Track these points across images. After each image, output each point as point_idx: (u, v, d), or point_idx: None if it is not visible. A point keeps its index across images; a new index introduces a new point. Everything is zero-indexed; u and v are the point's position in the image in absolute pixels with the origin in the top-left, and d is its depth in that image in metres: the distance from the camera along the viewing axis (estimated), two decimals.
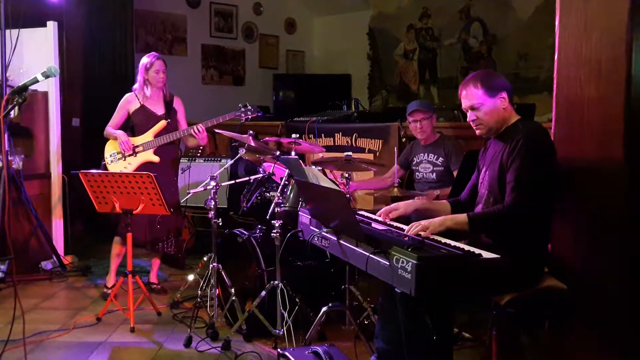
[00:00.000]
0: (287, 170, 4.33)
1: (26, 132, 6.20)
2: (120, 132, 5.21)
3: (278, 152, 4.61)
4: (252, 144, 4.57)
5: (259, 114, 5.25)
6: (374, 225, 3.22)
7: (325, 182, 3.25)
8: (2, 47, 5.71)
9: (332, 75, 10.36)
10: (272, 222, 4.06)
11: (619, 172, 3.11)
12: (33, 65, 6.16)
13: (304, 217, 3.65)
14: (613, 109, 3.11)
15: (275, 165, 4.69)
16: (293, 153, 4.65)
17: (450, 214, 3.27)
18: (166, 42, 9.38)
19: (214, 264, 4.41)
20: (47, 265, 6.09)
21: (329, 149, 5.97)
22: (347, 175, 4.53)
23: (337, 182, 4.28)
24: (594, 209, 3.21)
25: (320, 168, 4.62)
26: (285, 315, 3.99)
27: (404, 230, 3.05)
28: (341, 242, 3.07)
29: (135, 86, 5.33)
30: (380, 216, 3.34)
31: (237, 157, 4.84)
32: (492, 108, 3.09)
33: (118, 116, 5.34)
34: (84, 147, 7.45)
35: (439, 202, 3.44)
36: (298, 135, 4.74)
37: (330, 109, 6.92)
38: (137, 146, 5.19)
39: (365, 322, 4.25)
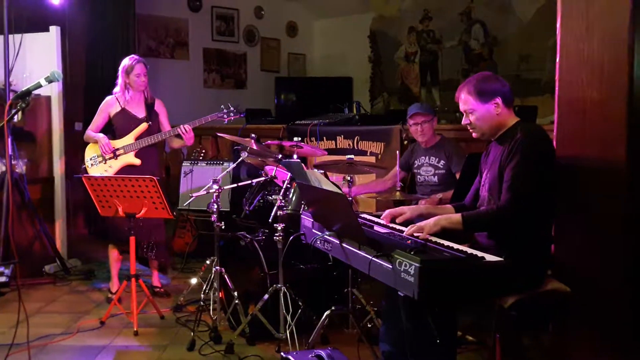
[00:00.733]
0: (289, 174, 4.33)
1: (29, 136, 6.21)
2: (100, 135, 5.20)
3: (280, 156, 4.62)
4: (254, 147, 4.58)
5: (242, 115, 5.27)
6: (376, 228, 3.23)
7: (327, 185, 3.25)
8: (6, 52, 5.73)
9: (334, 78, 10.37)
10: (275, 225, 4.06)
11: (622, 174, 3.11)
12: (36, 70, 6.19)
13: (307, 220, 3.65)
14: (615, 111, 3.11)
15: (277, 168, 4.69)
16: (295, 156, 4.65)
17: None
18: (168, 46, 9.41)
19: (216, 267, 4.41)
20: (50, 269, 6.11)
21: (330, 152, 5.97)
22: (349, 178, 4.53)
23: (339, 185, 4.28)
24: (596, 211, 3.21)
25: (322, 171, 4.62)
26: (288, 318, 3.99)
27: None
28: (344, 245, 3.07)
29: (116, 89, 5.31)
30: (384, 219, 3.34)
31: (239, 160, 4.84)
32: (485, 114, 3.11)
33: (99, 119, 5.32)
34: None
35: (443, 207, 3.44)
36: (300, 139, 4.75)
37: (331, 111, 6.92)
38: (118, 149, 5.18)
39: (369, 326, 4.25)
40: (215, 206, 4.39)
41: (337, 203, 3.06)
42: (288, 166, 4.23)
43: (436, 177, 4.97)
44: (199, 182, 6.57)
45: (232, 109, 5.22)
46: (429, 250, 2.69)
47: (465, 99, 3.15)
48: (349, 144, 6.13)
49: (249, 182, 4.90)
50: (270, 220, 4.29)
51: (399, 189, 4.62)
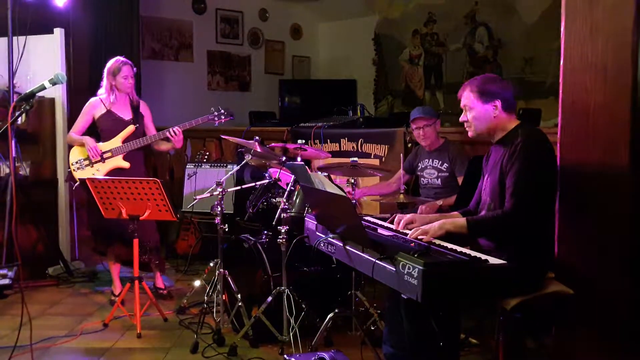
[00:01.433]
0: (293, 176, 4.33)
1: (33, 138, 6.22)
2: (87, 138, 5.13)
3: (284, 158, 4.62)
4: (258, 149, 4.58)
5: (231, 118, 5.24)
6: (380, 231, 3.22)
7: (331, 188, 3.25)
8: (10, 54, 5.74)
9: (338, 81, 10.37)
10: (278, 227, 4.06)
11: (625, 177, 3.11)
12: (40, 72, 6.20)
13: (310, 222, 3.65)
14: (619, 114, 3.11)
15: (281, 170, 4.69)
16: (299, 159, 4.65)
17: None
18: (172, 48, 9.42)
19: (220, 269, 4.41)
20: (54, 271, 6.11)
21: (334, 154, 5.97)
22: (352, 180, 4.53)
23: (342, 188, 4.28)
24: (599, 214, 3.21)
25: (326, 174, 4.62)
26: (292, 321, 3.99)
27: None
28: (347, 247, 3.07)
29: (101, 91, 5.26)
30: (396, 224, 3.31)
31: (243, 162, 4.85)
32: (482, 113, 3.14)
33: (82, 121, 5.26)
34: None
35: (451, 215, 3.43)
36: (304, 141, 4.75)
37: (335, 114, 6.93)
38: (106, 152, 5.13)
39: (372, 328, 4.24)
40: (219, 208, 4.39)
41: (340, 205, 3.06)
42: (292, 169, 4.24)
43: (439, 180, 4.97)
44: (203, 184, 6.57)
45: (222, 111, 5.19)
46: (433, 253, 2.68)
47: (466, 96, 3.18)
48: (353, 147, 6.13)
49: (253, 184, 4.90)
50: (274, 222, 4.30)
51: (402, 191, 4.61)
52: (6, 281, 4.64)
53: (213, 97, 9.63)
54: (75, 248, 6.60)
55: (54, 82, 3.54)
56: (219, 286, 4.43)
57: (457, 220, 3.06)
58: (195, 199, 4.84)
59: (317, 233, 3.50)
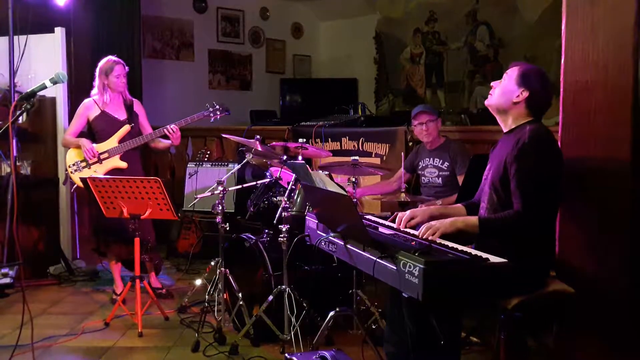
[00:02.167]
0: (294, 175, 4.33)
1: (34, 137, 6.23)
2: (83, 140, 5.11)
3: (285, 157, 4.62)
4: (259, 148, 4.58)
5: (227, 113, 5.23)
6: (381, 229, 3.22)
7: (332, 187, 3.25)
8: (11, 53, 5.74)
9: (339, 80, 10.38)
10: (279, 226, 4.06)
11: (626, 176, 3.11)
12: (41, 71, 6.21)
13: (311, 221, 3.65)
14: (620, 113, 3.11)
15: (282, 169, 4.69)
16: (300, 158, 4.65)
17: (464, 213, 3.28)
18: (173, 47, 9.43)
19: (221, 268, 4.41)
20: (55, 270, 6.12)
21: (335, 153, 5.97)
22: (353, 179, 4.53)
23: (344, 187, 4.28)
24: (600, 213, 3.21)
25: (327, 172, 4.62)
26: (293, 320, 3.99)
27: (411, 234, 3.05)
28: (348, 246, 3.07)
29: (94, 92, 5.24)
30: (397, 224, 3.30)
31: (244, 161, 4.85)
32: (506, 90, 3.10)
33: (77, 123, 5.25)
34: None
35: (453, 207, 3.42)
36: (305, 140, 4.75)
37: (336, 113, 6.92)
38: (102, 153, 5.12)
39: (373, 327, 4.25)
40: (220, 207, 4.39)
41: (341, 204, 3.06)
42: (293, 167, 4.24)
43: (440, 178, 4.97)
44: (204, 183, 6.58)
45: (217, 107, 5.19)
46: (433, 251, 2.68)
47: (512, 70, 3.14)
48: (354, 146, 6.13)
49: (254, 183, 4.90)
50: (274, 221, 4.30)
51: (403, 190, 4.61)
52: (7, 280, 4.64)
53: (214, 96, 9.54)
54: (77, 247, 6.61)
55: (54, 81, 3.54)
56: (220, 285, 4.43)
57: (468, 219, 3.04)
58: (197, 197, 4.85)
59: (318, 232, 3.50)
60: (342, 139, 6.24)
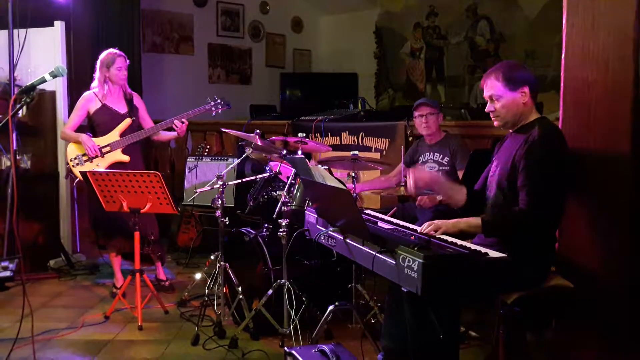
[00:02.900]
0: (294, 170, 4.33)
1: (34, 131, 6.22)
2: (83, 136, 5.07)
3: (284, 152, 4.62)
4: (259, 143, 4.58)
5: (228, 107, 5.23)
6: (380, 224, 3.23)
7: (331, 181, 3.25)
8: (10, 47, 5.73)
9: (339, 74, 10.36)
10: (279, 221, 4.06)
11: (626, 170, 3.11)
12: (41, 65, 6.20)
13: (311, 216, 3.65)
14: (620, 107, 3.11)
15: (282, 164, 4.69)
16: (299, 152, 4.65)
17: (465, 198, 3.29)
18: (173, 41, 9.41)
19: (221, 262, 4.42)
20: (55, 263, 6.13)
21: (335, 148, 5.97)
22: (353, 174, 4.53)
23: (343, 182, 4.28)
24: (600, 207, 3.21)
25: (326, 167, 4.62)
26: (292, 313, 3.99)
27: (411, 229, 3.05)
28: (347, 241, 3.08)
29: (94, 84, 5.21)
30: (394, 218, 3.30)
31: (243, 156, 4.85)
32: (511, 102, 3.06)
33: (76, 116, 5.21)
34: None
35: (458, 187, 3.40)
36: (304, 135, 4.75)
37: (336, 107, 6.93)
38: (104, 147, 5.09)
39: (372, 321, 4.26)
40: (220, 202, 4.39)
41: (341, 199, 3.06)
42: (292, 162, 4.24)
43: (440, 173, 4.96)
44: (204, 177, 6.58)
45: (218, 101, 5.19)
46: (433, 246, 2.69)
47: (492, 85, 3.09)
48: (353, 140, 6.13)
49: (254, 177, 4.91)
50: (274, 216, 4.31)
51: (403, 184, 4.61)
52: (8, 273, 4.62)
53: (214, 90, 9.52)
54: (77, 240, 6.61)
55: (54, 75, 3.53)
56: (219, 279, 4.44)
57: (470, 220, 3.02)
58: (196, 192, 4.85)
59: (318, 226, 3.50)
60: (342, 133, 6.24)
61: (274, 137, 5.21)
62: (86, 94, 5.24)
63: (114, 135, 5.13)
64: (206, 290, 4.61)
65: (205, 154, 6.81)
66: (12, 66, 5.75)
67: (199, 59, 9.72)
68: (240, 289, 4.31)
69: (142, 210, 4.53)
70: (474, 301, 3.93)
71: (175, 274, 6.01)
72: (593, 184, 3.23)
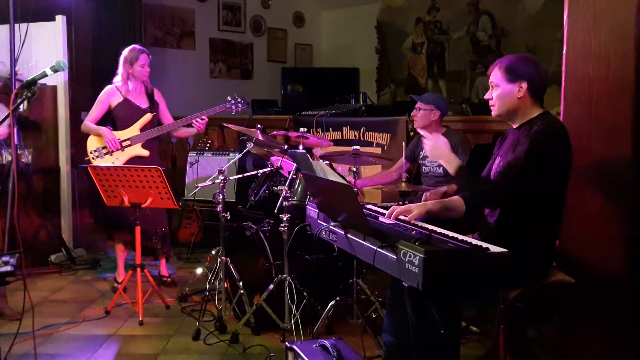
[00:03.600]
0: (295, 164, 4.33)
1: (35, 126, 6.23)
2: (104, 129, 5.11)
3: (286, 146, 4.61)
4: (260, 138, 4.58)
5: (247, 106, 5.29)
6: (381, 219, 3.22)
7: (332, 176, 3.24)
8: (12, 41, 5.73)
9: (340, 69, 10.34)
10: (280, 216, 4.07)
11: (627, 166, 3.11)
12: (42, 60, 6.20)
13: (312, 211, 3.65)
14: (621, 104, 3.10)
15: (283, 159, 4.69)
16: (301, 147, 4.65)
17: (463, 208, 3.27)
18: (174, 35, 9.40)
19: (222, 257, 4.42)
20: (56, 258, 6.13)
21: (336, 142, 5.96)
22: (354, 169, 4.52)
23: (344, 177, 4.28)
24: (601, 203, 3.21)
25: (328, 162, 4.61)
26: (293, 308, 4.00)
27: (412, 224, 3.05)
28: (349, 236, 3.07)
29: (117, 79, 5.25)
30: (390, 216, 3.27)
31: (245, 151, 4.84)
32: (506, 93, 3.05)
33: (98, 110, 5.24)
34: None
35: (451, 199, 3.38)
36: (306, 129, 4.74)
37: (338, 102, 6.91)
38: (124, 140, 5.13)
39: (373, 316, 4.26)
40: (221, 197, 4.40)
41: (342, 194, 3.05)
42: (294, 157, 4.23)
43: (441, 168, 4.95)
44: (205, 172, 6.58)
45: (239, 99, 5.24)
46: (434, 241, 2.68)
47: (495, 73, 3.10)
48: (355, 135, 6.13)
49: (255, 172, 4.90)
50: (275, 210, 4.30)
51: (404, 179, 4.61)
52: (8, 268, 4.62)
53: (215, 85, 9.61)
54: (78, 235, 6.62)
55: (55, 69, 3.53)
56: (220, 274, 4.44)
57: (443, 200, 3.09)
58: (197, 187, 4.84)
59: (319, 221, 3.50)
60: (343, 128, 6.23)
61: (275, 132, 5.20)
62: (108, 87, 5.27)
63: (134, 130, 5.16)
64: (207, 285, 4.61)
65: (207, 148, 6.81)
66: (14, 60, 5.75)
67: (200, 54, 9.71)
68: (241, 283, 4.31)
69: (143, 205, 4.53)
70: (475, 296, 3.92)
71: (177, 269, 6.02)
72: (594, 179, 3.22)
